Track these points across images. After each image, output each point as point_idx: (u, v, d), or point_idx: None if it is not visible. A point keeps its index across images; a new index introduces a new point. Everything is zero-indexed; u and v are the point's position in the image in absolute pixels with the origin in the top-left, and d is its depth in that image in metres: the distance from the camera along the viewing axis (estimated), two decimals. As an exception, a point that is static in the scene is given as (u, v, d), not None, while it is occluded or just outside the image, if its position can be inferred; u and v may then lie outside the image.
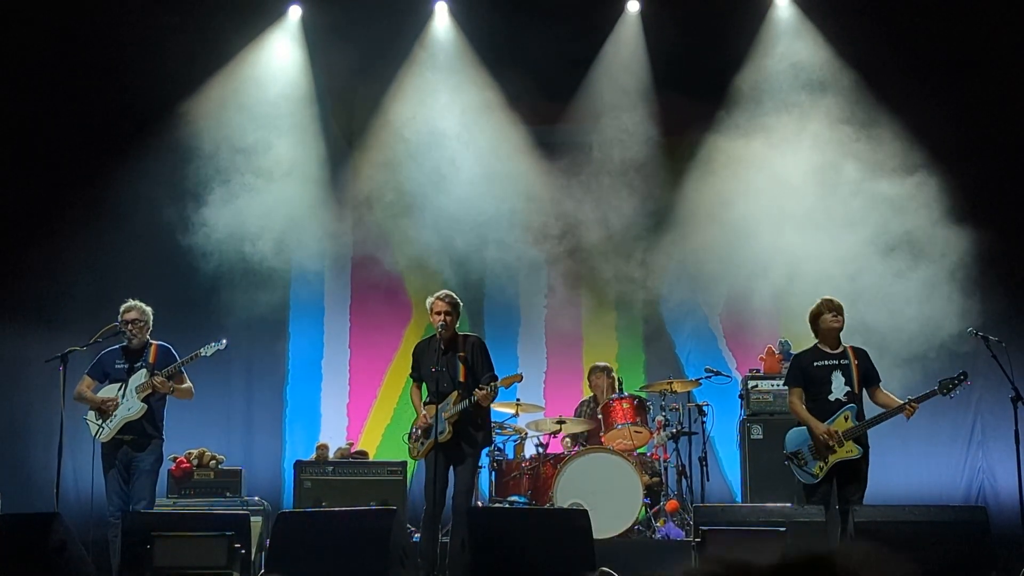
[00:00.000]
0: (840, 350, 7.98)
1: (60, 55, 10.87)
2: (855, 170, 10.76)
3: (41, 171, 10.96)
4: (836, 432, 7.69)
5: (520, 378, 8.22)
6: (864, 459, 7.78)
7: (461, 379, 7.99)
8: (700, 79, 11.11)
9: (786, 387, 8.34)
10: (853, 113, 10.87)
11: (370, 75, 11.45)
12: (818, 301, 8.06)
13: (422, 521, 7.98)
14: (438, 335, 7.99)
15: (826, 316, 7.95)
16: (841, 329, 7.99)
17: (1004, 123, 10.82)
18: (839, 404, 7.81)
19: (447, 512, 8.05)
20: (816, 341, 8.08)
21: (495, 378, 8.01)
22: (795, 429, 7.96)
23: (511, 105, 11.32)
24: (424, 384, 8.21)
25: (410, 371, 8.40)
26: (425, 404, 8.09)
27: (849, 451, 7.70)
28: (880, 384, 7.97)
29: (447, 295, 8.14)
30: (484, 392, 7.85)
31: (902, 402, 7.73)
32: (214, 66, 11.22)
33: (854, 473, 7.73)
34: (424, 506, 7.97)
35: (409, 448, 8.29)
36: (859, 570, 0.84)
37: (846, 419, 7.75)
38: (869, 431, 7.84)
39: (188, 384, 8.38)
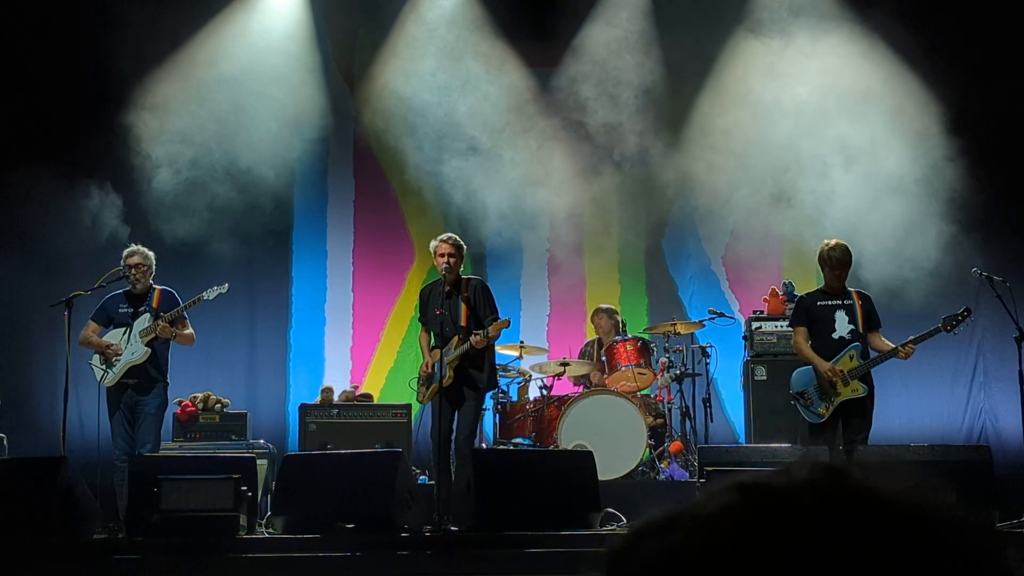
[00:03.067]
0: (844, 291, 7.98)
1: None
2: (864, 103, 10.67)
3: (45, 114, 10.87)
4: (841, 371, 7.69)
5: (507, 323, 8.20)
6: (870, 397, 7.78)
7: (463, 323, 8.03)
8: (705, 7, 10.98)
9: (790, 328, 8.34)
10: (866, 33, 10.70)
11: (371, 17, 11.34)
12: (832, 243, 7.94)
13: (434, 465, 8.03)
14: (442, 278, 8.02)
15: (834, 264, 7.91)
16: (845, 278, 7.97)
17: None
18: (843, 342, 7.80)
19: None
20: (821, 285, 8.09)
21: (498, 319, 8.09)
22: (801, 369, 7.96)
23: (512, 45, 11.23)
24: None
25: (418, 316, 8.52)
26: (431, 349, 8.15)
27: (855, 390, 7.70)
28: (880, 331, 7.96)
29: (451, 237, 8.14)
30: (478, 337, 7.91)
31: (895, 345, 7.73)
32: (217, 5, 11.10)
33: (859, 411, 7.74)
34: (432, 452, 8.06)
35: (417, 392, 8.43)
36: (868, 478, 0.83)
37: (851, 358, 7.74)
38: (872, 371, 7.85)
39: (190, 330, 8.40)
